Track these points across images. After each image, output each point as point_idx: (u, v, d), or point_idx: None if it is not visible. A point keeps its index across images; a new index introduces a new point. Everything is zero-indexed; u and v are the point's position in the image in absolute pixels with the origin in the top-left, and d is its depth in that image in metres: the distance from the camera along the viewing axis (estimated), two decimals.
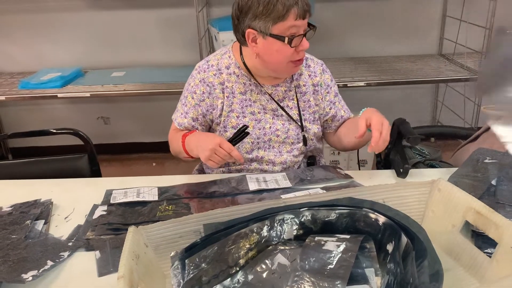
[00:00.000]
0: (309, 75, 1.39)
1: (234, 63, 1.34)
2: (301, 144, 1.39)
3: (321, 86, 1.40)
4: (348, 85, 2.50)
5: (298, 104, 1.37)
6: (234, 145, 1.25)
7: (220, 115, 1.36)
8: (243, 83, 1.34)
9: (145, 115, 3.15)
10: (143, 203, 1.18)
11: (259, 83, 1.34)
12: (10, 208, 1.16)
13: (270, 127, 1.37)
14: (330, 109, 1.42)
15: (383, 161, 1.49)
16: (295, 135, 1.38)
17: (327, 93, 1.41)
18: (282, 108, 1.36)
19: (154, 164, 3.09)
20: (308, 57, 1.41)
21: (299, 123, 1.37)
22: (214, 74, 1.34)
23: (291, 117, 1.37)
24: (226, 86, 1.34)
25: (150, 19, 2.87)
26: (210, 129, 1.43)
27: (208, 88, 1.34)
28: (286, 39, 1.20)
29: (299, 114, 1.37)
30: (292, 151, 1.39)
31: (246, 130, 1.28)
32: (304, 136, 1.39)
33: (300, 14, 1.18)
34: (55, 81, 2.60)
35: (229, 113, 1.35)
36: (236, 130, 1.31)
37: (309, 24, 1.24)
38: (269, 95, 1.35)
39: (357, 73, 2.63)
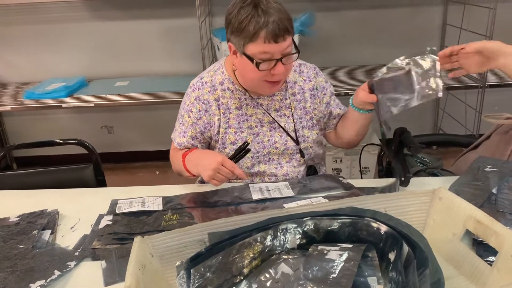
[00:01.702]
0: (304, 80, 1.39)
1: (228, 79, 1.34)
2: (299, 154, 1.40)
3: (317, 90, 1.40)
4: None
5: (293, 115, 1.38)
6: (236, 162, 1.26)
7: (218, 132, 1.37)
8: (238, 98, 1.35)
9: (149, 124, 3.17)
10: (148, 213, 1.19)
11: (252, 96, 1.35)
12: (18, 218, 1.18)
13: (268, 140, 1.38)
14: (327, 110, 1.44)
15: (385, 170, 1.50)
16: (293, 145, 1.39)
17: (323, 95, 1.42)
18: (277, 122, 1.37)
19: (157, 172, 3.11)
20: (301, 63, 1.41)
21: (294, 137, 1.38)
22: (208, 91, 1.34)
23: (286, 131, 1.37)
24: (222, 102, 1.35)
25: (153, 29, 2.90)
26: (209, 145, 1.44)
27: (204, 105, 1.35)
28: (255, 62, 1.18)
29: (294, 126, 1.38)
30: (291, 161, 1.40)
31: (247, 147, 1.29)
32: (300, 149, 1.39)
33: (269, 38, 1.14)
34: (59, 91, 2.63)
35: (226, 130, 1.36)
36: (237, 147, 1.32)
37: (296, 45, 1.22)
38: (264, 108, 1.36)
39: (358, 81, 2.65)
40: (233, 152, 1.33)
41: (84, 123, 3.16)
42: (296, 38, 2.55)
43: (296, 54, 1.22)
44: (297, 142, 1.38)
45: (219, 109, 1.35)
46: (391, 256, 0.82)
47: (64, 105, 2.56)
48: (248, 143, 1.32)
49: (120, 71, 2.99)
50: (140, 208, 1.21)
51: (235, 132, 1.36)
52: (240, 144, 1.32)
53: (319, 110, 1.42)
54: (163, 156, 3.08)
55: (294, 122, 1.38)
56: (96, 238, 1.09)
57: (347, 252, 0.83)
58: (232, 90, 1.34)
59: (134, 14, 2.87)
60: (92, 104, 2.55)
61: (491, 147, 1.40)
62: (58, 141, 1.62)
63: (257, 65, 1.18)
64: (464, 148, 1.60)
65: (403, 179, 1.26)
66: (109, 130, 3.19)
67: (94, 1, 2.78)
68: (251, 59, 1.18)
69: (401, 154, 1.36)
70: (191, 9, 2.63)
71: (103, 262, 1.00)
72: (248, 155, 1.36)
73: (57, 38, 2.92)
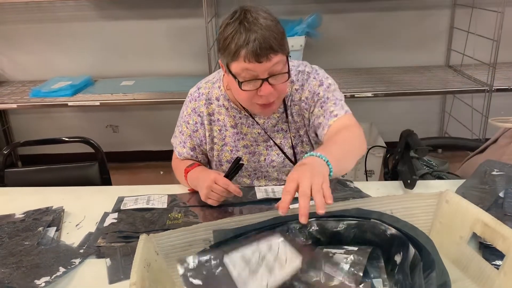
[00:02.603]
0: (296, 90, 1.27)
1: (223, 96, 1.29)
2: None
3: (306, 99, 1.27)
4: (356, 95, 2.51)
5: (290, 129, 1.31)
6: (230, 179, 1.20)
7: (212, 148, 1.34)
8: (233, 116, 1.30)
9: (153, 123, 3.18)
10: (153, 211, 1.20)
11: (250, 115, 1.29)
12: (23, 215, 1.19)
13: (264, 159, 1.33)
14: (311, 120, 1.28)
15: (390, 172, 1.49)
16: (290, 165, 1.34)
17: (312, 102, 1.26)
18: (273, 140, 1.32)
19: (161, 172, 3.11)
20: (300, 71, 1.28)
21: (292, 155, 1.33)
22: (204, 103, 1.30)
23: (282, 150, 1.32)
24: (218, 119, 1.31)
25: (160, 29, 2.91)
26: (208, 159, 1.41)
27: (199, 118, 1.31)
28: (237, 80, 1.11)
29: (292, 143, 1.32)
30: None
31: (240, 162, 1.24)
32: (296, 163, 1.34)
33: (250, 57, 1.06)
34: (65, 90, 2.64)
35: (222, 147, 1.33)
36: (230, 164, 1.27)
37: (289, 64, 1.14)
38: (261, 126, 1.30)
39: (364, 84, 2.64)
40: (227, 169, 1.28)
41: (89, 122, 3.17)
42: (302, 39, 2.55)
43: (286, 75, 1.13)
44: (294, 162, 1.32)
45: (210, 124, 1.32)
46: (397, 258, 0.82)
47: (69, 103, 2.57)
48: (240, 158, 1.25)
49: (126, 70, 3.00)
50: (144, 205, 1.21)
51: (231, 151, 1.33)
52: (233, 161, 1.26)
53: (307, 123, 1.30)
54: (167, 156, 3.08)
55: (291, 137, 1.31)
56: (101, 236, 1.09)
57: (352, 255, 0.83)
58: (227, 108, 1.29)
59: (141, 14, 2.88)
60: (97, 103, 2.56)
61: (498, 150, 1.39)
62: (64, 138, 1.62)
63: (239, 84, 1.11)
64: (470, 151, 1.60)
65: (409, 181, 1.26)
66: (114, 130, 3.20)
67: (101, 1, 2.79)
68: (235, 77, 1.12)
69: (407, 156, 1.36)
70: (197, 9, 2.64)
71: (108, 260, 1.00)
72: (245, 173, 1.35)
73: (63, 37, 2.94)
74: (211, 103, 1.31)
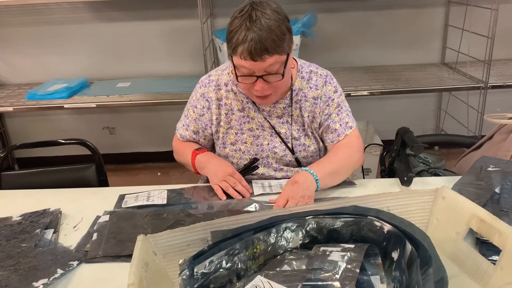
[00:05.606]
0: (310, 88, 1.34)
1: (232, 81, 1.34)
2: (296, 163, 1.40)
3: (321, 99, 1.33)
4: (352, 94, 2.51)
5: (293, 123, 1.36)
6: (244, 176, 1.31)
7: (217, 131, 1.38)
8: (241, 100, 1.35)
9: (150, 125, 3.17)
10: (150, 207, 1.22)
11: (254, 103, 1.34)
12: (20, 218, 1.18)
13: (268, 144, 1.37)
14: (325, 121, 1.35)
15: (387, 170, 1.50)
16: (290, 155, 1.38)
17: (327, 105, 1.34)
18: (275, 129, 1.35)
19: (159, 173, 3.11)
20: (312, 70, 1.35)
21: (291, 146, 1.37)
22: (213, 89, 1.36)
23: (283, 140, 1.36)
24: (225, 103, 1.36)
25: (155, 31, 2.91)
26: (213, 143, 1.45)
27: (207, 103, 1.36)
28: (235, 72, 1.20)
29: (291, 135, 1.36)
30: (289, 168, 1.40)
31: (256, 164, 1.35)
32: (296, 158, 1.38)
33: (245, 55, 1.13)
34: (61, 92, 2.63)
35: (228, 130, 1.37)
36: (236, 147, 1.36)
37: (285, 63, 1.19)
38: (266, 114, 1.35)
39: (360, 82, 2.65)
40: (242, 166, 1.37)
41: (85, 124, 3.17)
42: (298, 39, 2.55)
43: (281, 75, 1.18)
44: (292, 151, 1.37)
45: (218, 108, 1.36)
46: (394, 255, 0.82)
47: (66, 106, 2.56)
48: (258, 159, 1.35)
49: (122, 72, 3.00)
50: (145, 202, 1.23)
51: (236, 133, 1.37)
52: (249, 160, 1.36)
53: (316, 121, 1.35)
54: (165, 157, 3.09)
55: (293, 130, 1.36)
56: (89, 242, 1.08)
57: (349, 252, 0.83)
58: (236, 92, 1.35)
59: (136, 15, 2.88)
60: (93, 105, 2.55)
61: (493, 147, 1.40)
62: (60, 141, 1.62)
63: (236, 76, 1.20)
64: (466, 148, 1.60)
65: (405, 178, 1.26)
66: (110, 131, 3.20)
67: (96, 2, 2.78)
68: (234, 69, 1.20)
69: (404, 154, 1.36)
70: (193, 10, 2.64)
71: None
72: (246, 156, 1.38)
73: (59, 39, 2.93)
74: (220, 89, 1.36)
